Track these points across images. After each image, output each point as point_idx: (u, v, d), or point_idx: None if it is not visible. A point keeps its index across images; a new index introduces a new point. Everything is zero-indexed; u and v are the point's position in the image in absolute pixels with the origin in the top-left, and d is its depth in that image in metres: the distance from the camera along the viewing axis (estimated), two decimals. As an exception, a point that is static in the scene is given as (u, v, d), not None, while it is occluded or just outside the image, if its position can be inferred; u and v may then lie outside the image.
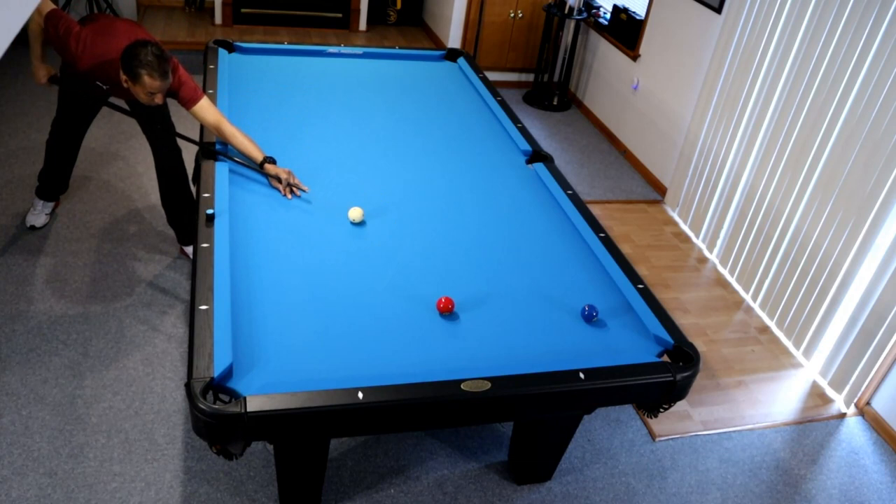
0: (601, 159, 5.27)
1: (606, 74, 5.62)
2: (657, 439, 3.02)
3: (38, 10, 2.86)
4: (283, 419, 1.80)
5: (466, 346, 2.11)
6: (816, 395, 3.40)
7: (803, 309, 3.57)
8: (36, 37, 2.97)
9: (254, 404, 1.77)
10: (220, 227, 2.37)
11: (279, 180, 2.69)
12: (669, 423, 3.10)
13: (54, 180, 3.57)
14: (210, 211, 2.42)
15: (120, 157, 4.34)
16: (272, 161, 2.74)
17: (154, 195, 4.02)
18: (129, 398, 2.84)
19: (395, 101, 3.50)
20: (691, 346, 2.18)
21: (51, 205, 3.69)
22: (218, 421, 1.74)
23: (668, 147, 4.84)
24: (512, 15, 5.93)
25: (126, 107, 3.13)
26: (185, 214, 3.46)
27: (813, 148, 3.52)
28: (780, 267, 3.74)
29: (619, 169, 5.17)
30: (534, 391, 1.96)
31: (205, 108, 2.85)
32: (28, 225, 3.60)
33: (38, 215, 3.64)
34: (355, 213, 2.55)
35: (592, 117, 5.84)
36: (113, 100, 3.19)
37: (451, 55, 4.12)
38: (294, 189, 2.70)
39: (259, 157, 2.75)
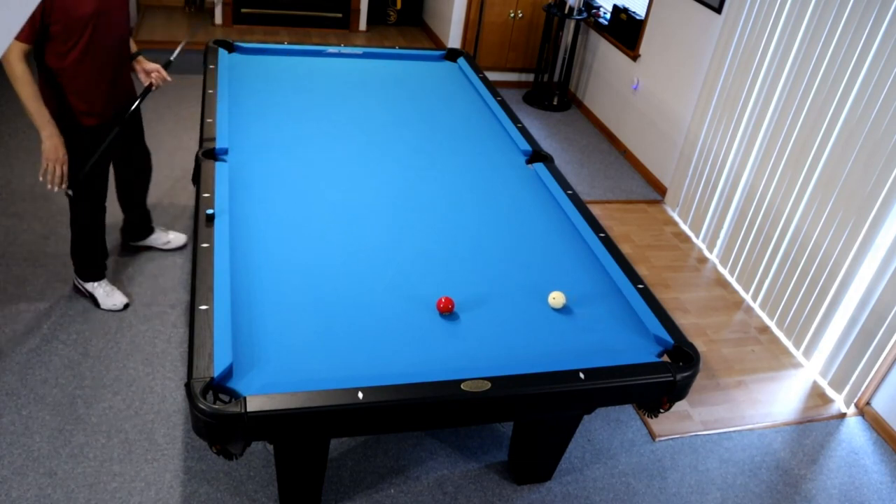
0: (601, 159, 5.27)
1: (606, 74, 5.62)
2: (657, 439, 3.02)
3: (10, 58, 2.49)
4: (283, 419, 1.80)
5: (466, 346, 2.11)
6: (816, 395, 3.40)
7: (803, 309, 3.57)
8: (27, 82, 2.54)
9: (254, 404, 1.77)
10: (220, 227, 2.38)
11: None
12: (669, 423, 3.10)
13: (97, 249, 3.18)
14: (210, 211, 2.42)
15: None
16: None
17: (154, 196, 4.02)
18: (129, 398, 2.84)
19: (395, 102, 3.50)
20: (691, 346, 2.18)
21: (105, 282, 3.24)
22: (218, 421, 1.74)
23: (668, 147, 4.84)
24: (512, 15, 5.93)
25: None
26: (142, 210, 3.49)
27: (813, 148, 3.52)
28: (780, 267, 3.74)
29: (619, 169, 5.17)
30: (534, 391, 1.96)
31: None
32: (120, 308, 3.23)
33: (111, 295, 3.22)
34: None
35: (592, 117, 5.84)
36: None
37: (451, 55, 4.12)
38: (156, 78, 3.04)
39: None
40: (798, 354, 3.62)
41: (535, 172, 3.08)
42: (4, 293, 3.24)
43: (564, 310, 2.31)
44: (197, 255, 2.23)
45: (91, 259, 3.17)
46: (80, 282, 3.22)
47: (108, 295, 3.22)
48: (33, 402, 2.76)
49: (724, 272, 4.15)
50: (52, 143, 2.68)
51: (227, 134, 2.95)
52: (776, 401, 3.32)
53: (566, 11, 5.58)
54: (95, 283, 3.22)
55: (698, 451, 3.00)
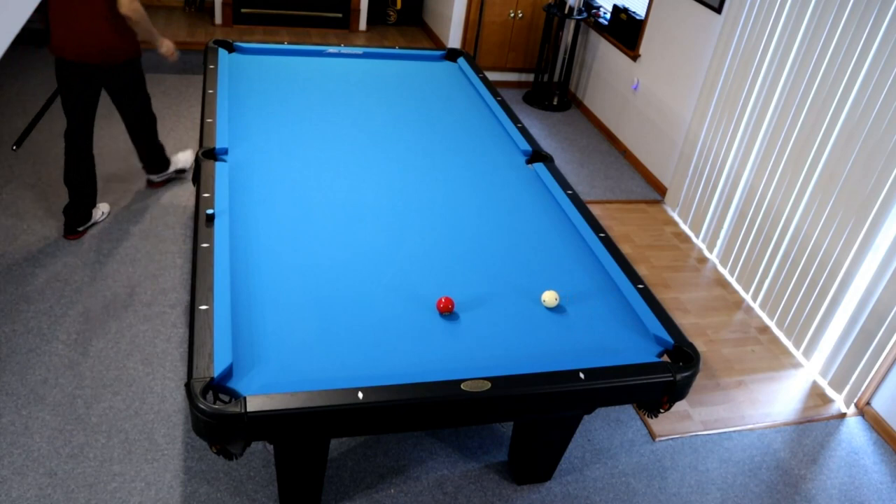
0: (601, 159, 5.27)
1: (606, 74, 5.62)
2: (657, 439, 3.02)
3: (135, 4, 3.22)
4: (283, 419, 1.80)
5: (466, 346, 2.11)
6: (816, 395, 3.40)
7: (803, 309, 3.57)
8: (143, 15, 3.29)
9: (254, 404, 1.77)
10: (220, 227, 2.38)
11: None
12: (669, 423, 3.10)
13: (90, 190, 3.68)
14: (210, 211, 2.42)
15: (120, 158, 4.34)
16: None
17: (154, 195, 4.02)
18: (129, 398, 2.84)
19: (395, 102, 3.50)
20: (691, 346, 2.18)
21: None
22: (218, 421, 1.74)
23: (668, 147, 4.84)
24: (512, 15, 5.93)
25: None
26: (156, 138, 3.93)
27: (813, 148, 3.52)
28: (780, 267, 3.74)
29: (619, 169, 5.17)
30: (534, 391, 1.96)
31: None
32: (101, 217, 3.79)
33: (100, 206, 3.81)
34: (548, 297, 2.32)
35: (592, 117, 5.84)
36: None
37: (451, 55, 4.12)
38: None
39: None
40: (798, 354, 3.62)
41: (535, 172, 3.08)
42: (4, 293, 3.24)
43: (564, 310, 2.31)
44: (197, 255, 2.23)
45: (92, 196, 3.67)
46: (83, 226, 3.68)
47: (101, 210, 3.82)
48: (33, 402, 2.76)
49: (724, 272, 4.15)
50: (168, 43, 3.62)
51: (227, 134, 2.96)
52: (776, 401, 3.32)
53: (566, 11, 5.58)
54: (94, 209, 3.73)
55: (698, 451, 3.00)
